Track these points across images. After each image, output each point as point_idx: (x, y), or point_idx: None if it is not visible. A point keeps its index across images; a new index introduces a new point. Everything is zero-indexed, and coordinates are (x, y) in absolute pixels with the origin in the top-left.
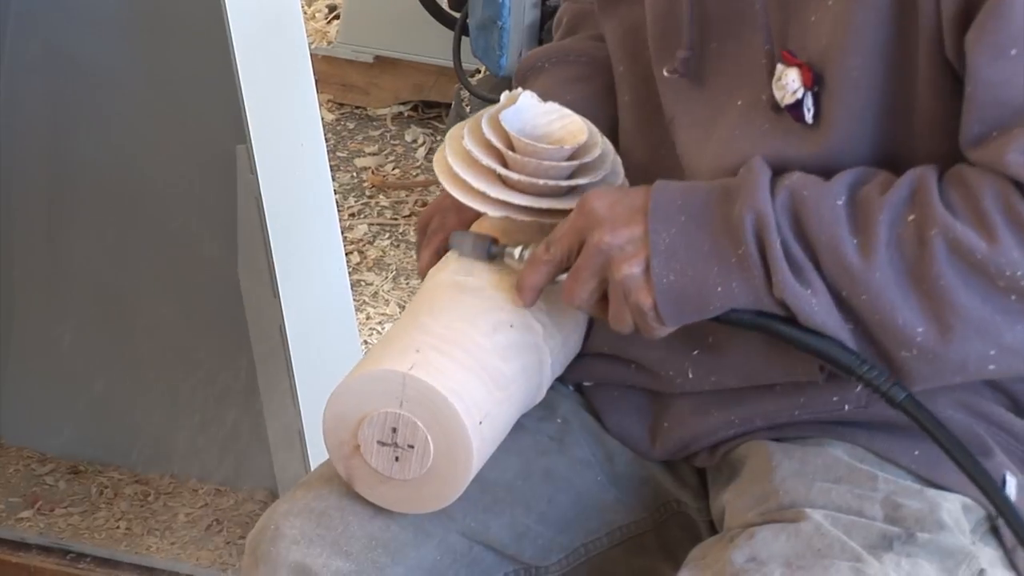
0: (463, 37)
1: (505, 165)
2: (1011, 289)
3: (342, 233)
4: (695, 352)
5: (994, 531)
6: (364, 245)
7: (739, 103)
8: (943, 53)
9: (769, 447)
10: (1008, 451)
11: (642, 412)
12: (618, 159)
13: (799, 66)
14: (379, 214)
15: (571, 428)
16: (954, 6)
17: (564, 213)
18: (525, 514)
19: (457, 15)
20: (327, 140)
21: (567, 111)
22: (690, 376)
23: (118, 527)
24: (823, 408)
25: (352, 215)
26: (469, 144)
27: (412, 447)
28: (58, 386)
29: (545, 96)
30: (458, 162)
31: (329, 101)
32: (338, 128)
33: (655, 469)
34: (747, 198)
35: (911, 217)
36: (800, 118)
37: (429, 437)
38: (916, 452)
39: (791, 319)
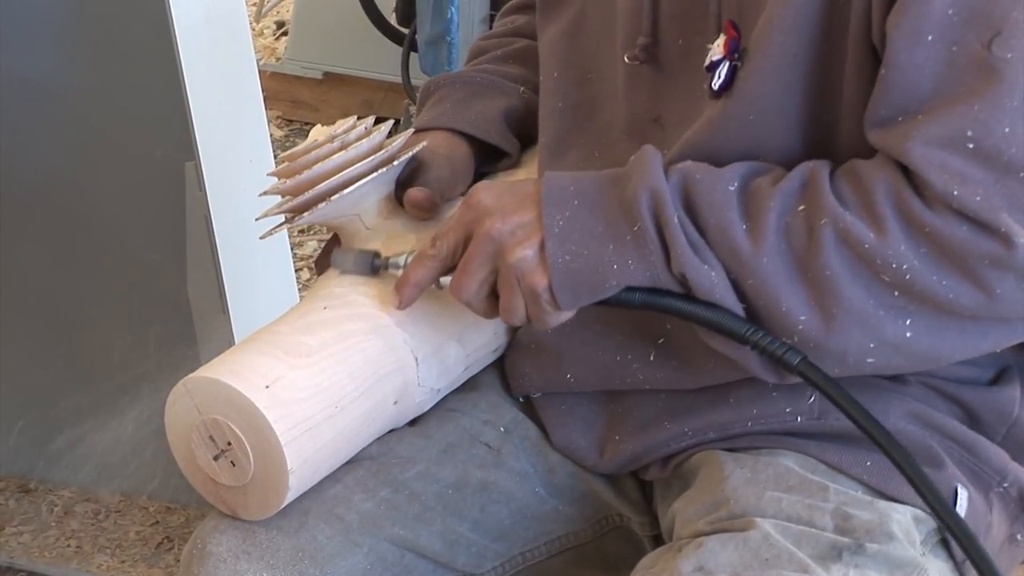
0: (411, 53)
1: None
2: (895, 285)
3: (292, 249)
4: (660, 340)
5: (944, 543)
6: (314, 262)
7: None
8: (870, 38)
9: (721, 456)
10: (960, 463)
11: (591, 426)
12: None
13: (729, 35)
14: (329, 230)
15: (511, 439)
16: None
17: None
18: (458, 523)
19: (406, 31)
20: (276, 157)
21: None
22: (652, 359)
23: (69, 545)
24: (776, 419)
25: (302, 231)
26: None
27: (231, 443)
28: (6, 403)
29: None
30: (267, 217)
31: (278, 117)
32: (287, 144)
33: (597, 483)
34: (640, 177)
35: (801, 207)
36: (709, 83)
37: (230, 424)
38: (868, 463)
39: (684, 295)
